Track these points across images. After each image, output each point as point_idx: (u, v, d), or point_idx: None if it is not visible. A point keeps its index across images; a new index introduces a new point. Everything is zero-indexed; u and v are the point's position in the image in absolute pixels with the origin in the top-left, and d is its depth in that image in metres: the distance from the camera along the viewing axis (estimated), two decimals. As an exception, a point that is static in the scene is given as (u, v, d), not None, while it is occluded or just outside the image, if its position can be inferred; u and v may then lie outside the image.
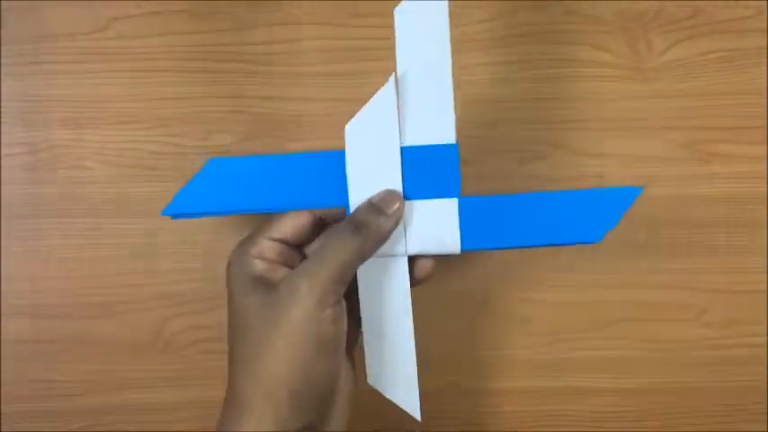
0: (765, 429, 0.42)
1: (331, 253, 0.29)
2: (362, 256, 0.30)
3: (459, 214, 0.31)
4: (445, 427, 0.41)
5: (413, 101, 0.31)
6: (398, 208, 0.31)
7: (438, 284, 0.40)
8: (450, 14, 0.31)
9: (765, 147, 0.41)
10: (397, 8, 0.31)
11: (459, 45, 0.41)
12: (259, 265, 0.31)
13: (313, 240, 0.33)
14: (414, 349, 0.32)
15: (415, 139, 0.31)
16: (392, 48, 0.40)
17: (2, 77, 0.40)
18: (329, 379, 0.30)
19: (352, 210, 0.31)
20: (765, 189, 0.41)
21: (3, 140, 0.40)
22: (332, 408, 0.31)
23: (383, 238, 0.30)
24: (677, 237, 0.41)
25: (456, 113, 0.31)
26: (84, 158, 0.40)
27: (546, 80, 0.41)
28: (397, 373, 0.32)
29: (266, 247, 0.31)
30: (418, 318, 0.41)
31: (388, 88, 0.30)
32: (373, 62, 0.40)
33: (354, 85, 0.40)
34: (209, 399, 0.40)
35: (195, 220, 0.40)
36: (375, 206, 0.30)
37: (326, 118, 0.40)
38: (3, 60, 0.40)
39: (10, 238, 0.40)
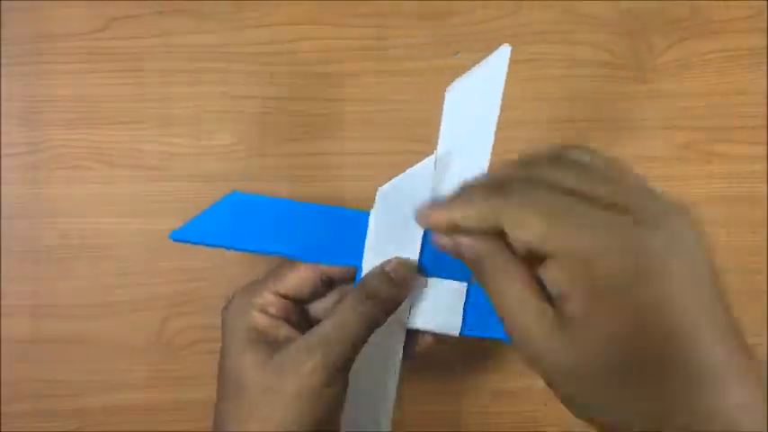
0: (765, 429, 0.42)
1: (343, 328, 0.28)
2: (372, 327, 0.29)
3: (467, 299, 0.31)
4: (445, 428, 0.41)
5: (447, 179, 0.30)
6: (410, 278, 0.30)
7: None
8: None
9: (765, 147, 0.41)
10: (449, 88, 0.30)
11: (460, 45, 0.41)
12: (260, 320, 0.29)
13: (317, 299, 0.32)
14: (390, 424, 0.32)
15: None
16: (392, 48, 0.41)
17: (2, 77, 0.40)
18: None
19: (363, 272, 0.30)
20: (765, 189, 0.41)
21: (3, 140, 0.40)
22: None
23: (394, 308, 0.29)
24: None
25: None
26: (84, 158, 0.40)
27: (546, 80, 0.41)
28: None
29: (269, 300, 0.30)
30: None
31: (428, 164, 0.30)
32: (373, 62, 0.40)
33: (354, 85, 0.40)
34: (209, 399, 0.40)
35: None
36: (387, 274, 0.29)
37: (326, 118, 0.40)
38: (3, 60, 0.40)
39: (10, 238, 0.40)
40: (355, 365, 0.30)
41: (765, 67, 0.41)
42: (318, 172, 0.40)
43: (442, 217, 0.26)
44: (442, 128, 0.30)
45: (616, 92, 0.41)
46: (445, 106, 0.30)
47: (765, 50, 0.41)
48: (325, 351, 0.27)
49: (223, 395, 0.29)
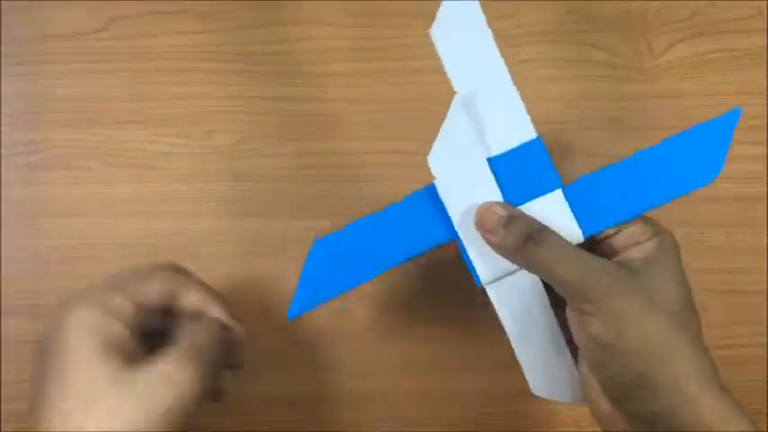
0: (765, 429, 0.42)
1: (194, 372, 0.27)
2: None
3: (569, 203, 0.30)
4: (446, 428, 0.41)
5: (482, 112, 0.30)
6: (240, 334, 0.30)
7: (439, 287, 0.40)
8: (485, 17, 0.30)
9: (765, 147, 0.41)
10: (431, 28, 0.30)
11: (460, 45, 0.41)
12: (113, 326, 0.27)
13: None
14: (569, 352, 0.31)
15: (499, 147, 0.30)
16: (392, 48, 0.41)
17: (2, 77, 0.40)
18: None
19: (463, 239, 0.30)
20: (765, 189, 0.41)
21: (3, 140, 0.40)
22: None
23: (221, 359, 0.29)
24: (677, 237, 0.41)
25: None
26: (84, 158, 0.40)
27: (546, 80, 0.41)
28: (560, 377, 0.31)
29: (122, 307, 0.28)
30: (420, 321, 0.41)
31: (456, 107, 0.30)
32: (374, 62, 0.40)
33: (355, 84, 0.40)
34: (209, 399, 0.40)
35: (194, 221, 0.40)
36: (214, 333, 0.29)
37: (326, 118, 0.40)
38: (3, 60, 0.40)
39: (10, 238, 0.40)
40: (510, 327, 0.31)
41: (765, 67, 0.41)
42: (318, 172, 0.40)
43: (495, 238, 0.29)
44: (447, 71, 0.30)
45: (616, 92, 0.41)
46: (438, 47, 0.30)
47: (765, 50, 0.41)
48: (176, 384, 0.26)
49: (59, 401, 0.26)
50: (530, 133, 0.30)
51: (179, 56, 0.40)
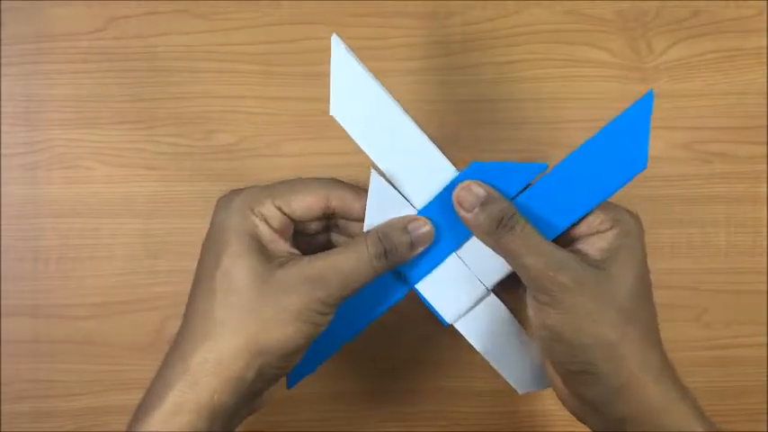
0: (765, 429, 0.42)
1: (354, 272, 0.28)
2: (377, 276, 0.29)
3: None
4: (447, 427, 0.41)
5: (402, 168, 0.31)
6: (428, 231, 0.30)
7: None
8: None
9: (765, 147, 0.41)
10: (330, 110, 0.30)
11: (460, 45, 0.41)
12: (263, 229, 0.29)
13: (314, 223, 0.31)
14: (533, 343, 0.32)
15: (425, 197, 0.30)
16: (391, 48, 0.41)
17: (2, 77, 0.40)
18: (269, 375, 0.28)
19: (419, 290, 0.31)
20: (765, 189, 0.41)
21: (3, 140, 0.40)
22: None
23: (406, 261, 0.30)
24: (677, 237, 0.41)
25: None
26: (84, 158, 0.40)
27: (546, 80, 0.41)
28: (537, 369, 0.32)
29: (272, 213, 0.29)
30: (421, 319, 0.41)
31: (375, 178, 0.30)
32: (373, 62, 0.40)
33: (354, 85, 0.40)
34: (209, 399, 0.40)
35: (194, 221, 0.40)
36: (408, 240, 0.30)
37: (326, 118, 0.40)
38: (3, 60, 0.40)
39: (10, 238, 0.40)
40: (486, 349, 0.32)
41: (765, 67, 0.41)
42: (319, 172, 0.40)
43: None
44: (362, 146, 0.31)
45: (616, 92, 0.41)
46: (343, 125, 0.30)
47: (765, 50, 0.41)
48: (334, 285, 0.28)
49: (209, 290, 0.28)
50: (451, 173, 0.30)
51: (179, 56, 0.40)
